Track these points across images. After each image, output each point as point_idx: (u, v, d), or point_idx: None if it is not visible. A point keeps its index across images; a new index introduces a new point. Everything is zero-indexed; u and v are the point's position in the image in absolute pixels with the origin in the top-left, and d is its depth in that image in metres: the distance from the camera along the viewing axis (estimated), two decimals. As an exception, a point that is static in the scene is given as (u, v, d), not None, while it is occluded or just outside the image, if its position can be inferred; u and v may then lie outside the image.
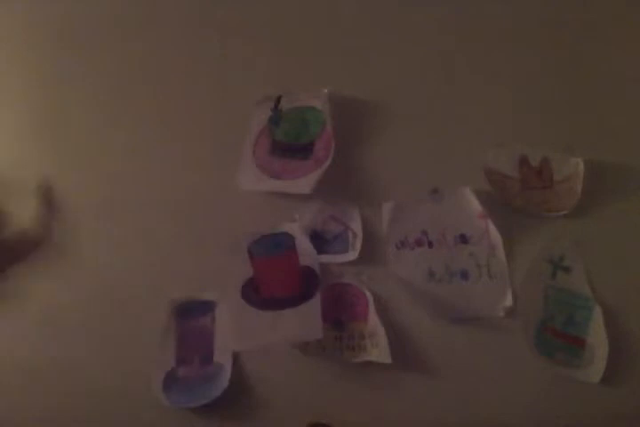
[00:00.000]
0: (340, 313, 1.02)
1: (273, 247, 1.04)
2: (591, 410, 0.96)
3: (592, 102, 1.03)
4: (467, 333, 0.99)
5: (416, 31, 1.08)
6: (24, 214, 1.11)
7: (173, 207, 1.08)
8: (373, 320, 1.00)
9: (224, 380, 1.00)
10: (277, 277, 1.03)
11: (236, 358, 1.01)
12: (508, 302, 0.99)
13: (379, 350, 0.98)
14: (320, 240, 1.04)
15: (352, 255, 1.03)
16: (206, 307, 1.04)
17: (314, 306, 0.99)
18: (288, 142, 1.06)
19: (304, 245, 1.03)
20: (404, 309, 1.01)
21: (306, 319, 0.98)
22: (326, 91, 1.05)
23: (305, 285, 1.01)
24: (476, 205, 1.01)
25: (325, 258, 1.03)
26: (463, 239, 1.02)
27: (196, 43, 1.12)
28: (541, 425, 0.97)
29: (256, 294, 1.02)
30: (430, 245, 1.02)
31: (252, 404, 1.01)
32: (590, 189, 0.99)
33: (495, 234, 1.01)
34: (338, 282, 1.03)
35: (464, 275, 1.01)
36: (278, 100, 1.07)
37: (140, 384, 1.01)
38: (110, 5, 1.15)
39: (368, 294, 1.01)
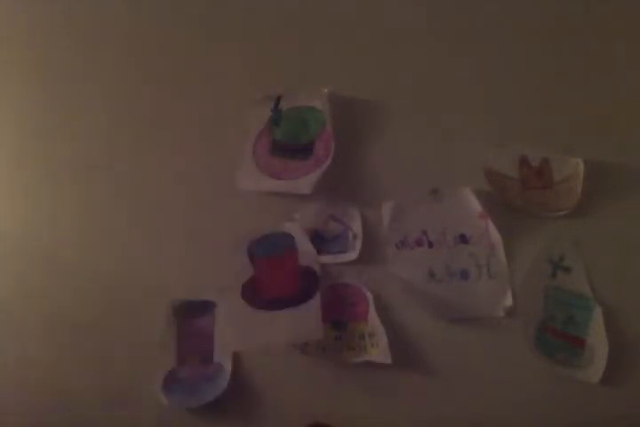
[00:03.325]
0: (340, 313, 1.02)
1: (273, 247, 1.04)
2: (591, 410, 0.96)
3: (592, 102, 1.03)
4: (467, 333, 0.99)
5: (416, 31, 1.08)
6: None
7: (173, 207, 1.08)
8: (373, 320, 1.00)
9: (224, 380, 1.00)
10: (277, 278, 1.03)
11: (235, 358, 1.01)
12: (508, 302, 0.99)
13: (379, 350, 0.98)
14: (320, 240, 1.04)
15: (352, 255, 1.03)
16: (206, 307, 1.04)
17: (314, 306, 0.99)
18: (288, 142, 1.06)
19: (304, 245, 1.03)
20: (404, 309, 1.01)
21: (306, 319, 0.98)
22: (326, 91, 1.05)
23: (305, 285, 1.01)
24: (476, 205, 1.01)
25: (325, 258, 1.03)
26: (463, 239, 1.02)
27: (195, 42, 1.12)
28: (541, 425, 0.97)
29: (256, 294, 1.02)
30: (430, 245, 1.02)
31: (252, 404, 1.01)
32: (590, 189, 0.99)
33: (495, 234, 1.01)
34: (338, 282, 1.03)
35: (464, 275, 1.01)
36: (278, 100, 1.07)
37: (140, 384, 1.01)
38: (110, 5, 1.15)
39: (368, 294, 1.01)
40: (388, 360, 0.97)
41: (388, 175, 1.05)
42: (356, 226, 1.04)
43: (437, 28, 1.08)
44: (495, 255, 1.01)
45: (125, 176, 1.10)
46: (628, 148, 1.02)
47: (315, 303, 0.99)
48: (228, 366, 1.01)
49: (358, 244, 1.03)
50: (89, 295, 1.06)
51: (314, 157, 1.04)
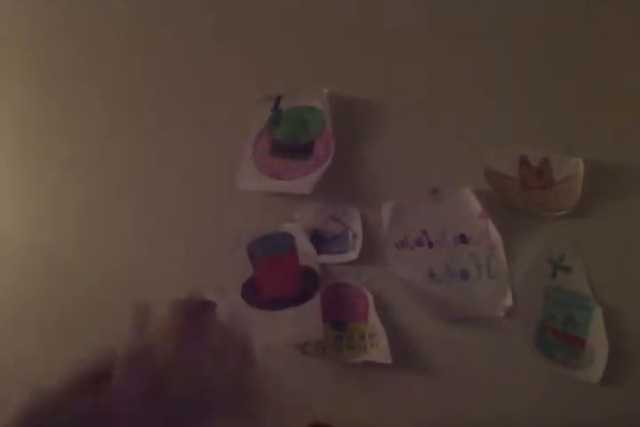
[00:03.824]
0: (340, 313, 1.02)
1: (273, 247, 1.04)
2: (591, 410, 0.96)
3: (592, 102, 1.03)
4: (467, 333, 0.99)
5: (416, 31, 1.08)
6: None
7: (173, 207, 1.08)
8: (373, 320, 1.00)
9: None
10: (277, 278, 1.03)
11: (235, 358, 1.01)
12: (508, 302, 0.99)
13: (379, 350, 0.98)
14: (320, 240, 1.04)
15: (352, 255, 1.02)
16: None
17: (314, 306, 0.99)
18: (288, 142, 1.06)
19: (304, 246, 1.03)
20: (404, 309, 1.00)
21: (306, 319, 0.98)
22: (326, 91, 1.05)
23: (305, 285, 1.01)
24: (476, 205, 1.01)
25: (325, 258, 1.03)
26: (463, 239, 1.02)
27: (195, 42, 1.12)
28: (541, 425, 0.97)
29: (256, 295, 1.02)
30: (430, 245, 1.02)
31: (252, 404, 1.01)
32: (590, 189, 0.99)
33: (495, 234, 1.00)
34: (338, 282, 1.03)
35: (464, 275, 1.01)
36: (278, 100, 1.07)
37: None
38: (110, 5, 1.15)
39: (368, 294, 1.01)
40: (388, 360, 0.97)
41: (388, 175, 1.05)
42: (356, 226, 1.04)
43: (437, 28, 1.08)
44: (495, 255, 1.01)
45: (125, 176, 1.10)
46: (627, 148, 1.02)
47: (315, 303, 0.99)
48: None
49: (358, 244, 1.03)
50: (89, 295, 1.06)
51: (314, 157, 1.04)
